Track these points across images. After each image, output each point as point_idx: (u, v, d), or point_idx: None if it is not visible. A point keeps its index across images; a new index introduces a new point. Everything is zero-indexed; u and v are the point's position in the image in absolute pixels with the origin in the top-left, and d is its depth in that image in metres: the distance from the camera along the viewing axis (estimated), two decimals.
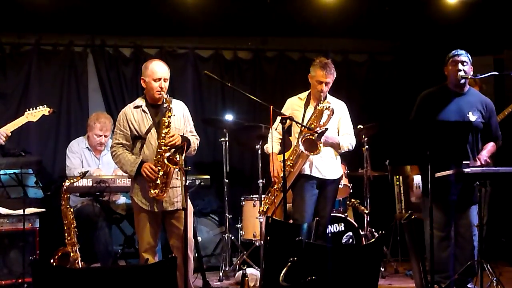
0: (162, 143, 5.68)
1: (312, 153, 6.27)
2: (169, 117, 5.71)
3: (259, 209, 6.77)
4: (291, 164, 6.35)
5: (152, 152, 5.74)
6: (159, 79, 5.76)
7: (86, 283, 4.07)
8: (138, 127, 5.78)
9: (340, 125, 6.58)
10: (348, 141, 6.54)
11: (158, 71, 5.78)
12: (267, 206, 6.56)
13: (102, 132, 7.27)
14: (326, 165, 6.49)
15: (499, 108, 6.99)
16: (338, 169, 6.61)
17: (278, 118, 6.27)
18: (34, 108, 6.38)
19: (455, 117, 5.95)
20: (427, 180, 5.52)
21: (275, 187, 6.50)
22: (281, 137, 6.35)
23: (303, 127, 6.27)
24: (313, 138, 6.26)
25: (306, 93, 6.59)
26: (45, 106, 6.43)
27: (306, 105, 6.51)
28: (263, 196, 6.79)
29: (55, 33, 8.44)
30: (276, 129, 6.48)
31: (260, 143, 7.51)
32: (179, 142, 5.71)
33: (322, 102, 6.37)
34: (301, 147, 6.26)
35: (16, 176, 6.43)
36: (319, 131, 6.24)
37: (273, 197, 6.50)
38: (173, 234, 5.87)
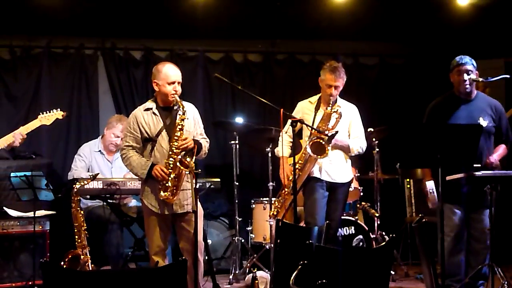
0: (174, 146, 5.69)
1: (320, 157, 6.26)
2: (183, 120, 5.73)
3: (270, 212, 6.77)
4: (299, 168, 6.35)
5: (162, 155, 5.75)
6: (173, 83, 5.78)
7: (96, 285, 4.07)
8: (149, 130, 5.79)
9: (351, 128, 6.58)
10: (359, 144, 6.53)
11: (172, 74, 5.80)
12: (277, 209, 6.57)
13: (122, 133, 7.27)
14: (336, 169, 6.49)
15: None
16: (348, 172, 6.61)
17: (289, 121, 6.27)
18: (47, 112, 6.39)
19: (466, 123, 5.94)
20: (437, 183, 5.51)
21: (285, 191, 6.51)
22: (291, 140, 6.34)
23: (313, 130, 6.27)
24: (321, 141, 6.25)
25: (317, 96, 6.60)
26: (59, 109, 6.45)
27: (317, 108, 6.51)
28: (273, 199, 6.78)
29: (66, 36, 8.46)
30: (286, 132, 6.48)
31: (270, 146, 7.52)
32: (191, 146, 5.73)
33: (331, 105, 6.38)
34: (309, 150, 6.26)
35: (27, 179, 6.45)
36: (329, 134, 6.23)
37: (283, 200, 6.51)
38: (183, 236, 5.87)
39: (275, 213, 6.59)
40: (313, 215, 6.36)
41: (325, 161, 6.36)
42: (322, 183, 6.45)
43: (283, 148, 6.50)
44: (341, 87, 6.46)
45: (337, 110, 6.34)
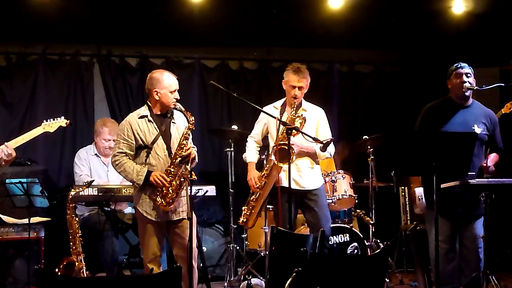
0: (178, 154, 5.73)
1: (284, 163, 6.18)
2: (189, 129, 5.80)
3: (239, 220, 6.60)
4: (265, 175, 6.33)
5: (158, 162, 5.78)
6: (175, 91, 5.85)
7: None
8: (144, 137, 5.80)
9: (318, 132, 6.49)
10: (327, 150, 6.37)
11: (173, 83, 5.87)
12: (246, 217, 6.50)
13: (111, 136, 7.29)
14: (304, 176, 6.44)
15: (504, 120, 6.99)
16: (317, 178, 6.54)
17: (256, 126, 6.48)
18: (51, 119, 6.38)
19: (461, 129, 5.93)
20: (432, 191, 5.51)
21: (253, 198, 6.47)
22: (258, 145, 6.41)
23: (311, 138, 6.24)
24: (286, 147, 6.16)
25: (282, 101, 6.57)
26: (63, 117, 6.43)
27: (281, 113, 6.45)
28: (243, 207, 6.67)
29: (62, 43, 8.48)
30: (253, 137, 6.53)
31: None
32: (193, 155, 5.79)
33: (295, 109, 6.33)
34: (273, 157, 6.23)
35: (22, 185, 6.45)
36: (324, 142, 6.21)
37: (252, 207, 6.46)
38: (177, 243, 5.88)
39: (244, 220, 6.51)
40: (285, 225, 6.27)
41: (292, 169, 6.15)
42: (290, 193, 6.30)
43: (250, 153, 6.52)
44: (305, 88, 6.42)
45: (301, 114, 6.31)
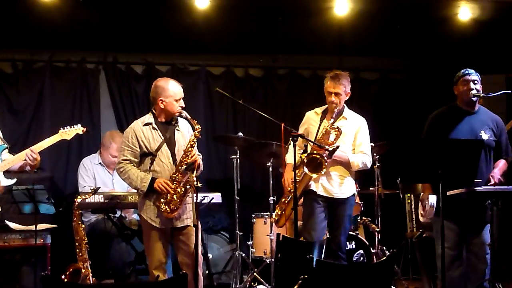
0: (183, 162, 5.75)
1: (315, 174, 6.23)
2: (196, 137, 5.84)
3: (272, 218, 6.76)
4: (298, 180, 6.33)
5: (163, 169, 5.80)
6: (180, 99, 5.88)
7: None
8: (149, 145, 5.83)
9: (356, 141, 6.49)
10: (360, 159, 6.41)
11: (178, 91, 5.90)
12: (277, 217, 6.58)
13: (118, 152, 7.29)
14: (334, 184, 6.41)
15: None
16: (348, 187, 6.48)
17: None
18: (68, 127, 6.38)
19: (468, 136, 5.93)
20: (439, 198, 5.51)
21: (285, 199, 6.52)
22: (300, 147, 6.31)
23: (314, 145, 6.26)
24: (318, 157, 6.20)
25: (324, 107, 6.55)
26: (79, 125, 6.43)
27: (322, 119, 6.45)
28: (277, 206, 6.71)
29: (68, 50, 8.51)
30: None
31: (271, 161, 7.53)
32: (199, 162, 5.81)
33: (334, 118, 6.35)
34: (305, 169, 6.22)
35: (28, 192, 6.47)
36: (330, 149, 6.21)
37: (284, 208, 6.52)
38: (181, 250, 5.90)
39: (276, 219, 6.60)
40: (309, 230, 6.33)
41: (324, 176, 6.32)
42: (319, 198, 6.39)
43: (289, 155, 6.45)
44: (342, 95, 6.40)
45: (337, 127, 6.31)
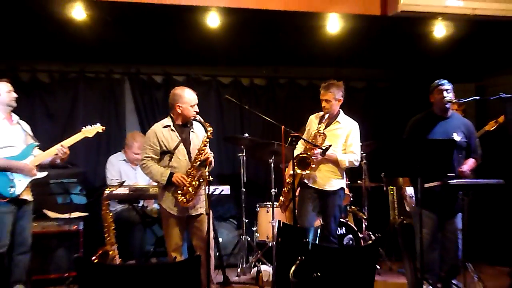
0: (197, 159, 5.76)
1: (304, 171, 6.23)
2: (208, 138, 5.85)
3: (278, 204, 6.89)
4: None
5: (180, 164, 5.81)
6: (195, 105, 5.91)
7: (122, 278, 4.10)
8: (167, 144, 5.84)
9: (347, 143, 6.45)
10: (347, 158, 6.37)
11: (193, 98, 5.93)
12: (281, 203, 6.71)
13: (139, 150, 7.31)
14: (323, 177, 6.40)
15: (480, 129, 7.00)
16: (336, 182, 6.43)
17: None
18: (89, 126, 6.39)
19: (442, 137, 5.94)
20: (416, 190, 5.51)
21: (285, 189, 6.61)
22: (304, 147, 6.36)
23: (310, 144, 6.27)
24: (306, 155, 6.22)
25: (322, 112, 6.55)
26: (99, 124, 6.45)
27: (319, 122, 6.45)
28: (282, 194, 6.77)
29: (97, 63, 8.52)
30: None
31: (273, 158, 7.54)
32: (210, 159, 5.81)
33: (324, 124, 6.36)
34: (295, 167, 6.21)
35: (63, 185, 6.49)
36: (323, 148, 6.22)
37: (285, 195, 6.61)
38: (195, 235, 5.93)
39: (281, 203, 6.68)
40: (302, 217, 6.32)
41: (316, 170, 6.34)
42: (311, 190, 6.41)
43: (295, 152, 6.45)
44: (332, 101, 6.39)
45: (323, 132, 6.32)
